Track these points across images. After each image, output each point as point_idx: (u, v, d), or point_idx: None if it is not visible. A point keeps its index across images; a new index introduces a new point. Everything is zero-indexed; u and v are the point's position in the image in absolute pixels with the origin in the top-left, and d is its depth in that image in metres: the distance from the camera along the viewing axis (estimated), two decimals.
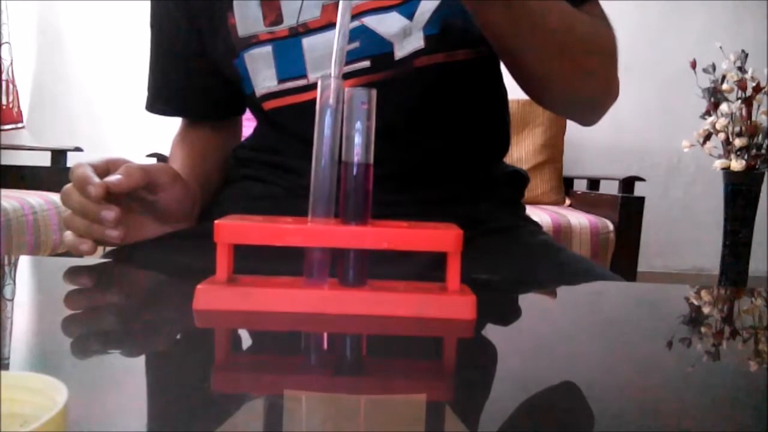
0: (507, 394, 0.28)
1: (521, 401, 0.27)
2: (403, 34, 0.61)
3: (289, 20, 0.62)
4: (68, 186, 0.55)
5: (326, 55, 0.62)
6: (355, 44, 0.61)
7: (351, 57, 0.61)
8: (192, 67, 0.71)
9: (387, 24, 0.60)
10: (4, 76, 2.83)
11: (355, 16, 0.60)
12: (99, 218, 0.53)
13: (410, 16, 0.61)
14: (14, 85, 2.89)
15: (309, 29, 0.62)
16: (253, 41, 0.63)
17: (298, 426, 0.24)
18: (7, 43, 2.87)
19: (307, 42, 0.62)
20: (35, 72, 3.00)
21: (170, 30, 0.71)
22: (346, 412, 0.25)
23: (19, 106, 2.92)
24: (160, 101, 0.75)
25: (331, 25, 0.61)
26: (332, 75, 0.39)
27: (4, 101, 2.84)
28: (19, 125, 2.94)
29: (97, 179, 0.53)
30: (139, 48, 2.84)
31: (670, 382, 0.31)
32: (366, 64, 0.61)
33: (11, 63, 2.88)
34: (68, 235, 0.56)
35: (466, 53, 0.63)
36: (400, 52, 0.61)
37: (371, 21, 0.61)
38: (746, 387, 0.31)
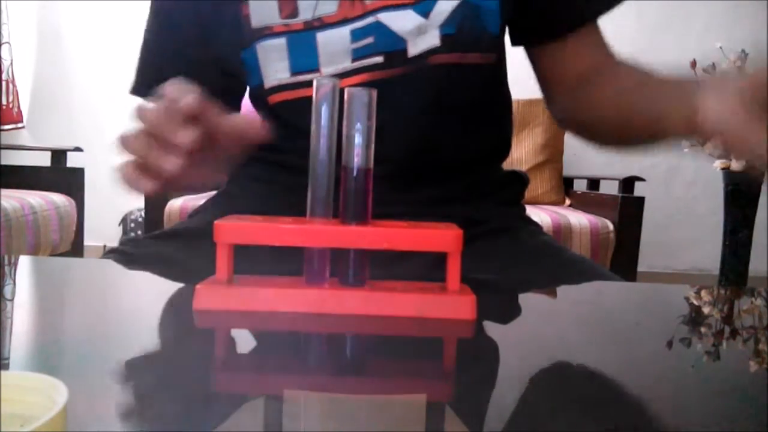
0: (507, 394, 0.28)
1: (521, 401, 0.27)
2: (418, 32, 0.61)
3: (305, 14, 0.62)
4: (145, 103, 0.47)
5: (340, 50, 0.62)
6: (369, 39, 0.61)
7: (364, 52, 0.62)
8: (189, 56, 0.70)
9: (401, 21, 0.61)
10: (4, 76, 2.83)
11: (370, 12, 0.61)
12: (174, 139, 0.44)
13: (426, 15, 0.61)
14: (14, 85, 2.89)
15: (324, 24, 0.62)
16: (267, 32, 0.63)
17: (298, 426, 0.24)
18: (7, 43, 2.87)
19: (321, 36, 0.62)
20: (35, 72, 3.00)
21: (172, 16, 0.69)
22: (346, 412, 0.25)
23: (19, 106, 2.92)
24: (147, 86, 0.72)
25: (346, 20, 0.61)
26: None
27: (4, 101, 2.84)
28: (19, 125, 2.94)
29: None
30: (139, 48, 2.84)
31: (669, 382, 0.31)
32: (379, 59, 0.62)
33: (11, 63, 2.88)
34: (127, 167, 0.47)
35: (477, 57, 0.64)
36: (413, 50, 0.62)
37: (386, 17, 0.61)
38: (746, 387, 0.31)
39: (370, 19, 0.61)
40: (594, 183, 2.58)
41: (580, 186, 2.64)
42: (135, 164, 0.47)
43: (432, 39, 0.61)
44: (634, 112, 0.61)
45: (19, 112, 2.93)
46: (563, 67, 0.69)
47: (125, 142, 0.47)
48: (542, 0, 0.66)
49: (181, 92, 0.46)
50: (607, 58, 0.69)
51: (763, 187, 2.50)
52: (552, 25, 0.67)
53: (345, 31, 0.61)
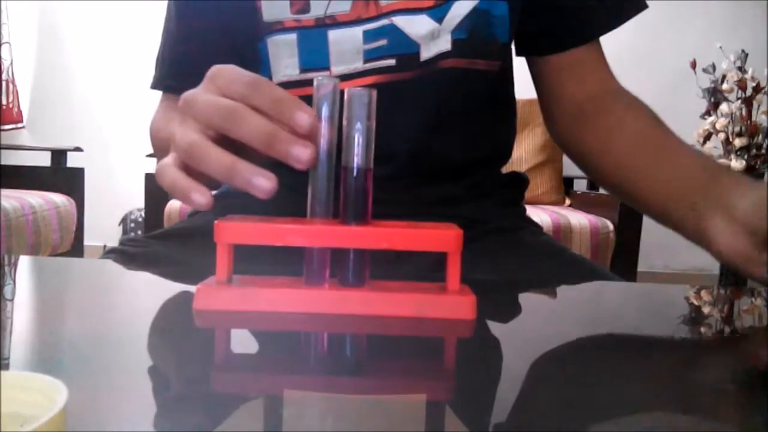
0: (507, 394, 0.28)
1: (521, 401, 0.27)
2: (431, 36, 0.61)
3: (317, 10, 0.62)
4: (254, 76, 0.40)
5: (351, 49, 0.62)
6: (383, 42, 0.61)
7: (377, 54, 0.62)
8: (210, 47, 0.69)
9: (416, 25, 0.61)
10: (4, 76, 2.83)
11: (384, 15, 0.61)
12: (293, 117, 0.37)
13: (440, 20, 0.61)
14: (14, 85, 2.90)
15: (337, 22, 0.62)
16: (278, 27, 0.63)
17: (298, 426, 0.24)
18: (7, 43, 2.87)
19: (333, 34, 0.62)
20: (35, 72, 3.00)
21: (192, 7, 0.69)
22: (346, 412, 0.25)
23: (19, 106, 2.92)
24: (171, 77, 0.71)
25: (360, 21, 0.61)
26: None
27: (4, 101, 2.84)
28: (19, 125, 2.94)
29: None
30: (139, 48, 2.84)
31: (669, 383, 0.31)
32: (391, 62, 0.62)
33: (11, 63, 2.88)
34: (174, 172, 0.39)
35: (486, 63, 0.64)
36: (426, 53, 0.62)
37: (400, 21, 0.61)
38: (746, 387, 0.31)
39: (383, 21, 0.61)
40: (594, 183, 2.58)
41: (580, 186, 2.64)
42: (183, 167, 0.39)
43: (444, 44, 0.62)
44: (642, 189, 0.63)
45: (19, 112, 2.93)
46: (563, 86, 0.69)
47: (215, 106, 0.38)
48: (547, 13, 0.66)
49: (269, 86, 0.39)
50: (609, 92, 0.69)
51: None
52: (554, 38, 0.68)
53: (357, 31, 0.61)
